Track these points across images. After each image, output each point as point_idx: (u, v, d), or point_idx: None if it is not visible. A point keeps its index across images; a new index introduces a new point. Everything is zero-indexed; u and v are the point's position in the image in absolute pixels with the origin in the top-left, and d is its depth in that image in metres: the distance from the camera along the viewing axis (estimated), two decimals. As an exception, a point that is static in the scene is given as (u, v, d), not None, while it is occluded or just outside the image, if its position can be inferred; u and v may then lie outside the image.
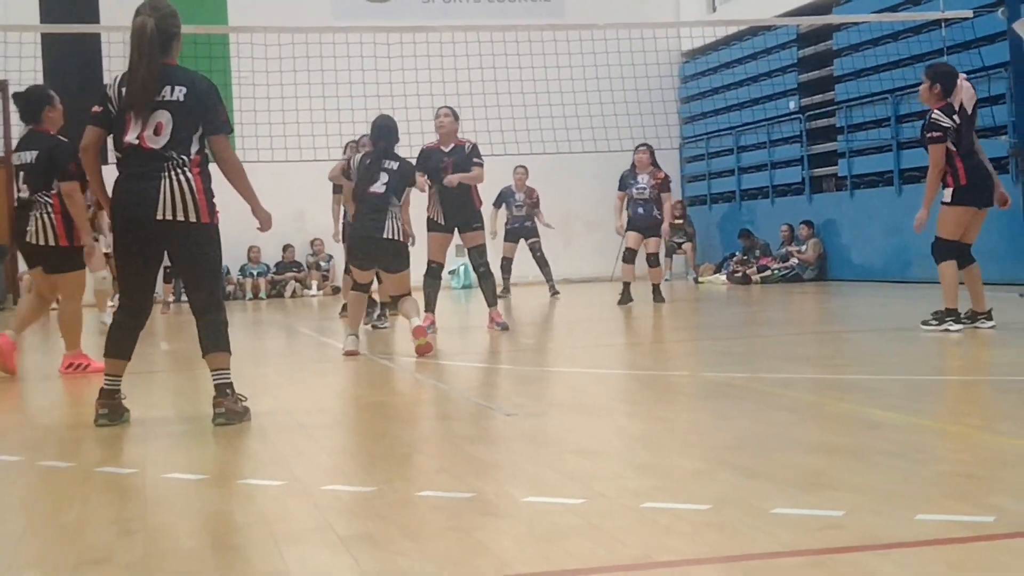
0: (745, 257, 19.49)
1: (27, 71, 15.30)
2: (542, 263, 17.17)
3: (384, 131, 9.44)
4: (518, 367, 8.39)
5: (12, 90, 18.21)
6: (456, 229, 11.02)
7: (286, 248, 21.43)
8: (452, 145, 11.01)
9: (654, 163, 14.48)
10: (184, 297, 19.10)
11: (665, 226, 14.43)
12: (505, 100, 17.30)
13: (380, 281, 10.25)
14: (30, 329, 9.25)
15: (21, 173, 8.37)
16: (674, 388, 7.11)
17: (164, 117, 5.83)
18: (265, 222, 6.29)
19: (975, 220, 9.25)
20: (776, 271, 18.63)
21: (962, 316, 9.16)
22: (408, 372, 8.45)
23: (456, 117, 11.17)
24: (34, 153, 8.31)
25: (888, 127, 16.79)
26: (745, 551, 3.30)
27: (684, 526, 3.55)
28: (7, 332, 8.67)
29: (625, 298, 14.04)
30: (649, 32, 18.58)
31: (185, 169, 5.83)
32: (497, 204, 17.52)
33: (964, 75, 9.52)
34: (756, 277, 18.70)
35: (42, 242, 8.31)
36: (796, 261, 18.49)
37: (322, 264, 21.61)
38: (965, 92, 9.20)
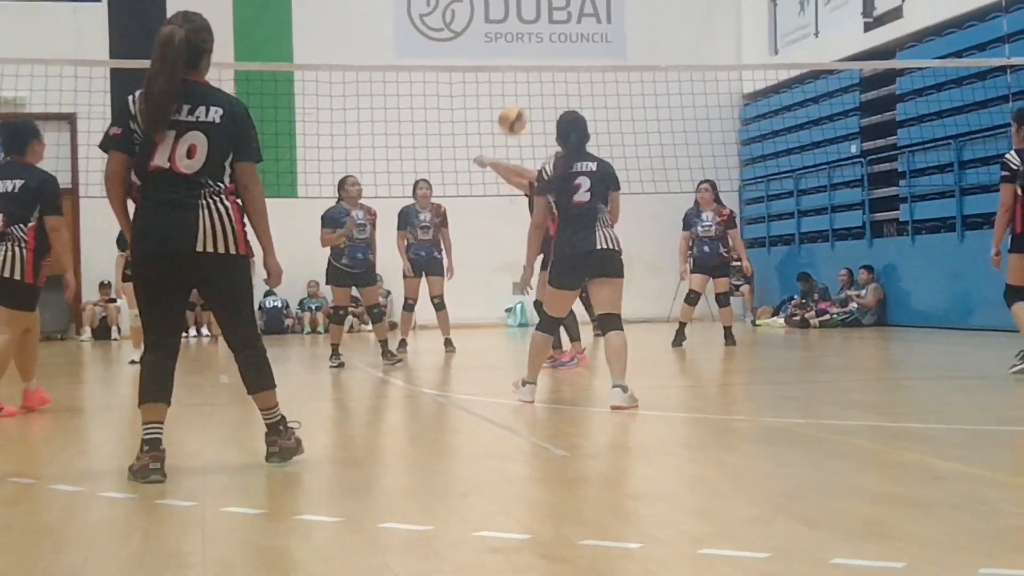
0: (803, 300, 19.35)
1: (96, 105, 15.56)
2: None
3: (574, 125, 8.33)
4: (574, 407, 8.37)
5: (80, 124, 18.65)
6: None
7: (311, 283, 21.48)
8: None
9: (717, 199, 14.43)
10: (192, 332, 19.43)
11: (745, 263, 14.38)
12: (566, 140, 17.32)
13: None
14: (38, 367, 8.62)
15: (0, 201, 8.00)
16: (732, 432, 7.06)
17: (199, 139, 5.41)
18: (275, 275, 5.75)
19: None
20: (835, 315, 18.46)
21: None
22: (464, 410, 8.45)
23: None
24: (18, 183, 7.96)
25: (951, 172, 16.64)
26: (804, 601, 3.27)
27: (741, 574, 3.52)
28: (25, 388, 8.37)
29: (679, 339, 13.94)
30: (711, 74, 18.58)
31: (222, 197, 5.46)
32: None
33: None
34: (814, 321, 18.54)
35: (7, 274, 7.93)
36: (855, 306, 18.32)
37: (381, 299, 21.67)
38: None
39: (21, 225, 7.96)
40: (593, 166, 8.14)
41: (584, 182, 8.04)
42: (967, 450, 5.89)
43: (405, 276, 14.06)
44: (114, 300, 19.09)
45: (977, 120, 15.91)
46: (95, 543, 4.29)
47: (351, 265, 12.45)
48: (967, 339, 14.13)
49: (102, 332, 19.60)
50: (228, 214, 5.45)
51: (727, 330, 14.17)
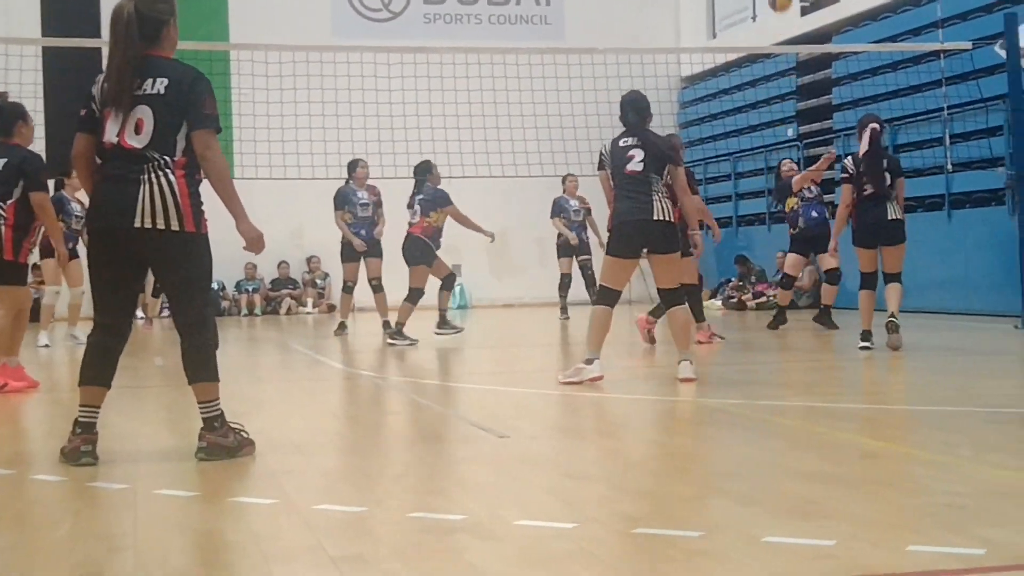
0: (741, 283, 19.50)
1: (28, 84, 15.30)
2: (592, 282, 16.47)
3: (631, 104, 8.39)
4: (516, 389, 8.38)
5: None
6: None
7: (281, 264, 21.42)
8: None
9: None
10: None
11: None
12: (504, 122, 17.31)
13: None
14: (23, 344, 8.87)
15: None
16: (669, 413, 7.11)
17: (145, 113, 5.24)
18: (253, 241, 5.52)
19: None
20: (772, 298, 18.61)
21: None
22: (403, 392, 8.44)
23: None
24: (1, 161, 8.13)
25: (886, 157, 16.82)
26: (736, 579, 3.30)
27: (676, 553, 3.55)
28: (6, 362, 8.44)
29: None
30: (649, 57, 18.60)
31: (168, 171, 5.24)
32: (555, 214, 17.07)
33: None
34: (752, 303, 18.70)
35: None
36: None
37: (318, 281, 21.60)
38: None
39: (1, 203, 8.07)
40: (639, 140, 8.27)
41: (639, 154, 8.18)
42: (897, 429, 5.98)
43: (346, 260, 14.08)
44: (43, 282, 18.82)
45: (911, 104, 16.10)
46: (25, 526, 4.24)
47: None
48: (904, 320, 14.28)
49: (34, 314, 19.26)
50: (172, 188, 5.23)
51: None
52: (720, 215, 21.78)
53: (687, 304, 8.32)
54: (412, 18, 22.32)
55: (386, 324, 13.58)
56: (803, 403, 7.25)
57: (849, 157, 10.51)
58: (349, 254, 14.06)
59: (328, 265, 20.95)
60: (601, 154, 8.45)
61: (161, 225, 5.21)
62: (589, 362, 8.10)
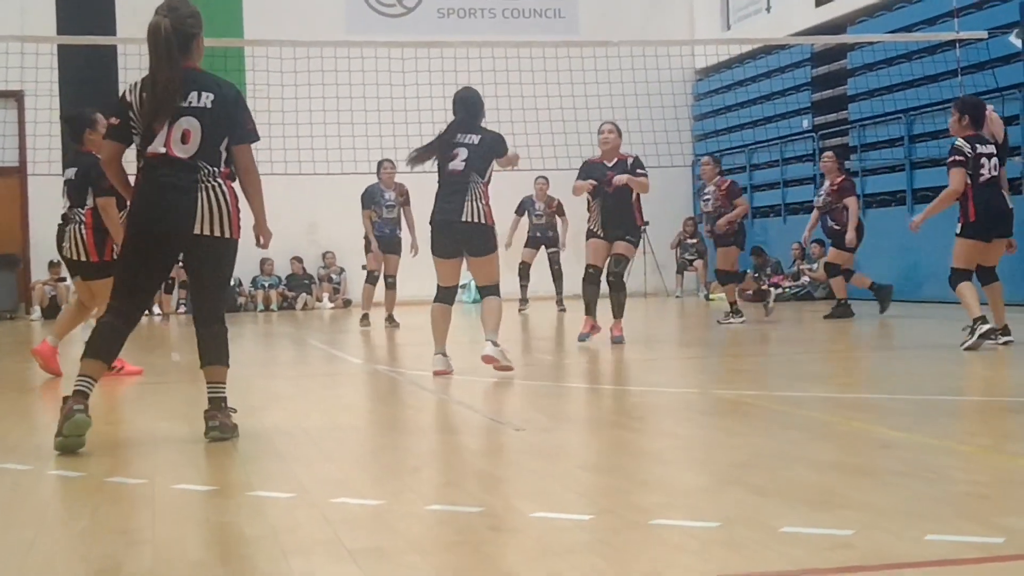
0: (757, 275, 19.47)
1: (43, 82, 15.37)
2: (557, 276, 17.20)
3: (464, 103, 8.75)
4: (530, 382, 8.38)
5: (28, 100, 18.39)
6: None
7: (294, 260, 21.41)
8: (615, 160, 10.94)
9: (720, 173, 14.18)
10: (182, 309, 19.36)
11: (722, 220, 13.73)
12: (519, 116, 17.29)
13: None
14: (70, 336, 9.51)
15: (65, 188, 8.93)
16: (684, 405, 7.09)
17: (192, 124, 5.59)
18: (267, 239, 6.07)
19: (989, 249, 9.32)
20: (787, 289, 18.59)
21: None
22: (419, 386, 8.44)
23: (620, 133, 11.08)
24: (74, 170, 8.87)
25: (901, 147, 16.78)
26: (754, 569, 3.29)
27: (693, 543, 3.54)
28: (47, 338, 9.13)
29: (734, 315, 13.55)
30: (663, 50, 18.60)
31: (220, 181, 5.65)
32: (519, 212, 17.50)
33: (991, 107, 9.61)
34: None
35: (74, 256, 8.84)
36: (807, 279, 18.45)
37: (334, 277, 21.62)
38: (995, 123, 9.30)
39: (79, 207, 8.81)
40: (476, 139, 8.54)
41: (462, 152, 8.47)
42: (915, 419, 5.96)
43: (368, 253, 14.37)
44: (64, 279, 18.92)
45: (927, 94, 16.04)
46: (44, 521, 4.26)
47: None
48: (917, 311, 14.27)
49: (52, 311, 19.40)
50: (225, 198, 5.63)
51: (732, 306, 13.76)
52: (736, 207, 21.77)
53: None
54: (425, 13, 22.30)
55: (390, 319, 14.19)
56: (820, 394, 7.23)
57: (961, 140, 9.32)
58: (369, 247, 14.35)
59: (343, 260, 20.97)
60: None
61: (217, 232, 5.61)
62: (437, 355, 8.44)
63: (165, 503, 4.44)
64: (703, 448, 5.50)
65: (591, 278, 10.94)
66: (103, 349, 5.70)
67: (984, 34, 14.71)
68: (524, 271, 17.26)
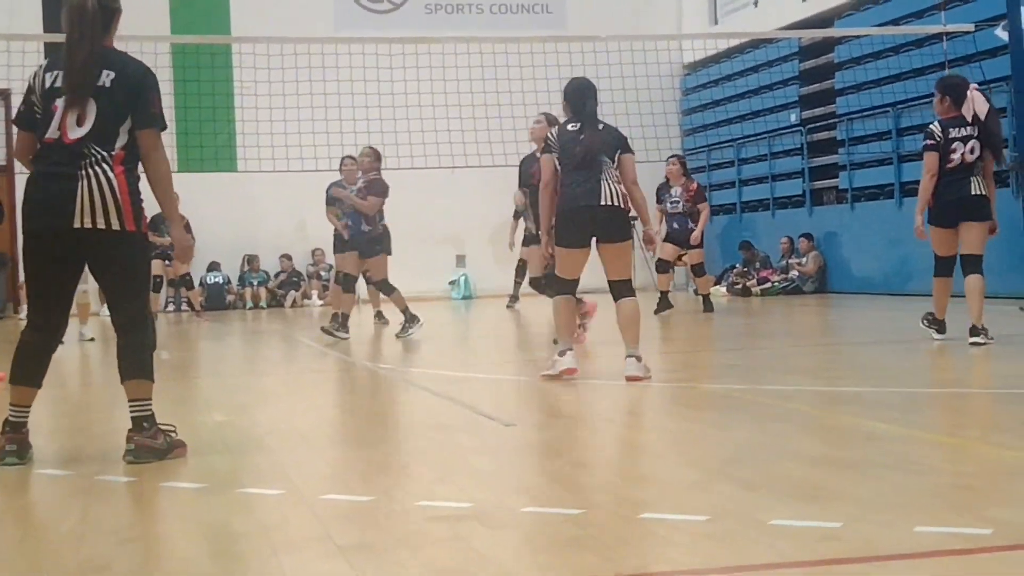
0: (745, 269, 19.50)
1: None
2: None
3: (581, 91, 8.00)
4: (519, 377, 8.39)
5: (15, 99, 18.34)
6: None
7: (283, 257, 21.39)
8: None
9: (686, 174, 14.44)
10: (184, 307, 19.36)
11: (696, 234, 14.14)
12: (507, 111, 17.28)
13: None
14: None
15: None
16: (673, 399, 7.11)
17: (88, 105, 5.08)
18: (184, 250, 5.47)
19: (954, 235, 9.22)
20: (776, 283, 18.63)
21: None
22: (407, 382, 8.45)
23: (551, 123, 10.17)
24: None
25: (889, 140, 16.81)
26: (743, 562, 3.31)
27: (682, 537, 3.55)
28: None
29: (663, 306, 13.94)
30: (651, 44, 18.57)
31: (106, 167, 5.04)
32: (516, 217, 17.55)
33: (975, 85, 9.56)
34: (756, 289, 18.71)
35: None
36: (796, 273, 18.49)
37: (323, 274, 21.60)
38: (977, 102, 9.21)
39: None
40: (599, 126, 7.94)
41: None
42: (902, 412, 5.98)
43: (336, 254, 14.02)
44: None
45: (914, 87, 16.05)
46: (32, 520, 4.26)
47: (351, 237, 12.77)
48: (905, 304, 14.28)
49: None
50: (111, 184, 5.04)
51: (705, 298, 14.27)
52: (724, 201, 21.81)
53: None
54: (413, 9, 22.28)
55: (379, 315, 14.20)
56: (807, 387, 7.25)
57: (936, 123, 9.29)
58: (340, 246, 13.82)
59: (333, 257, 20.96)
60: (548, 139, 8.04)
61: (101, 224, 5.03)
62: (562, 354, 7.82)
63: (155, 501, 4.45)
64: (692, 442, 5.51)
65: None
66: (29, 372, 5.25)
67: (971, 27, 14.73)
68: (521, 269, 17.27)
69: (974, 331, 8.91)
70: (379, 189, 12.46)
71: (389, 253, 12.88)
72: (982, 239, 9.20)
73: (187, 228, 12.03)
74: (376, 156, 12.66)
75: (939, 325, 9.41)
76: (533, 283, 10.99)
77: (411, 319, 12.05)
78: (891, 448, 4.94)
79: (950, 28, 14.82)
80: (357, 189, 12.71)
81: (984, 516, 3.65)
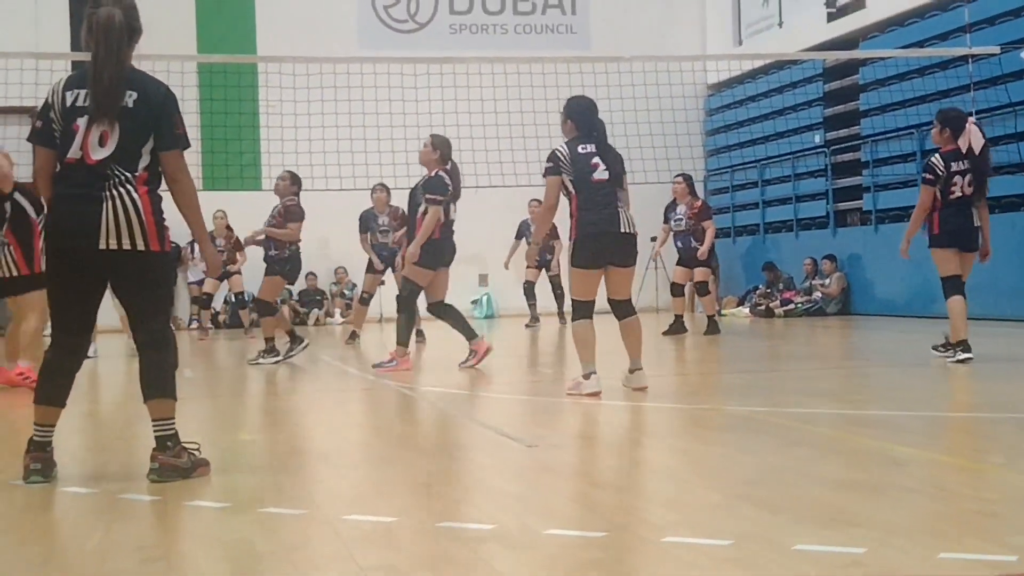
0: (768, 290, 19.46)
1: (57, 98, 15.39)
2: (559, 296, 17.43)
3: (589, 111, 8.30)
4: (540, 398, 8.39)
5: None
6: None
7: (308, 275, 21.46)
8: (425, 176, 10.92)
9: (692, 192, 14.48)
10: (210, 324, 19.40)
11: (702, 250, 14.23)
12: (531, 131, 17.31)
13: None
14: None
15: None
16: (696, 421, 7.09)
17: (112, 126, 5.07)
18: (215, 267, 5.69)
19: (957, 256, 9.69)
20: (799, 305, 18.58)
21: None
22: (429, 402, 8.45)
23: (436, 147, 10.84)
24: None
25: (913, 162, 16.77)
26: (765, 587, 3.30)
27: (705, 561, 3.54)
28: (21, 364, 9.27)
29: (675, 328, 14.03)
30: (675, 65, 18.61)
31: (130, 188, 5.06)
32: (518, 237, 17.89)
33: (973, 119, 9.78)
34: (779, 310, 18.66)
35: (4, 275, 9.20)
36: (819, 295, 18.44)
37: (346, 292, 21.65)
38: (974, 136, 9.42)
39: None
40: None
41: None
42: (926, 436, 5.96)
43: (367, 271, 14.58)
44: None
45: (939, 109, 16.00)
46: (57, 538, 4.28)
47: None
48: (929, 327, 14.20)
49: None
50: (136, 205, 5.06)
51: (710, 319, 14.31)
52: (747, 222, 21.78)
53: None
54: (438, 28, 22.38)
55: (352, 335, 14.66)
56: (830, 410, 7.23)
57: (937, 156, 9.64)
58: (372, 267, 14.52)
59: (356, 276, 21.00)
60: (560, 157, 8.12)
61: (127, 246, 5.06)
62: (587, 376, 8.00)
63: (178, 520, 4.47)
64: (714, 465, 5.50)
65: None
66: (53, 393, 5.26)
67: (996, 49, 14.71)
68: (530, 290, 17.44)
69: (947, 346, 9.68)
70: (296, 215, 12.40)
71: (288, 280, 12.75)
72: (970, 267, 9.83)
73: (239, 243, 12.35)
74: (293, 180, 12.61)
75: (962, 345, 9.51)
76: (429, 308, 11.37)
77: (294, 342, 12.12)
78: (915, 473, 4.91)
79: (975, 50, 14.79)
80: (272, 216, 12.54)
81: (1008, 543, 3.63)
